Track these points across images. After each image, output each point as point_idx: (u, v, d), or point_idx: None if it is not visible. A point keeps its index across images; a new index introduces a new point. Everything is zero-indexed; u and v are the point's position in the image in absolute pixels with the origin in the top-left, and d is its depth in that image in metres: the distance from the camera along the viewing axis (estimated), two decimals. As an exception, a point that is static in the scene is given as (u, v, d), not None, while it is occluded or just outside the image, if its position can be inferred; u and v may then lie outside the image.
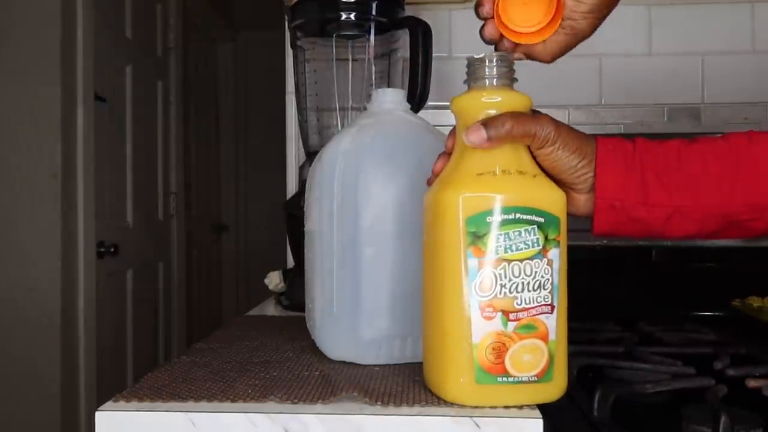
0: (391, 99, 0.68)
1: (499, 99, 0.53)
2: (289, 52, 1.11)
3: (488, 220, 0.50)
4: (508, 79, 0.54)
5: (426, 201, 0.55)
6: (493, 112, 0.53)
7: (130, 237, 2.40)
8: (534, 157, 0.54)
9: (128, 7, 2.39)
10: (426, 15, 0.98)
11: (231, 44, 3.83)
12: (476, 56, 0.55)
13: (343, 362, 0.65)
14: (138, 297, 2.48)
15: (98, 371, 2.13)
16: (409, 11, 0.98)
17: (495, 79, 0.54)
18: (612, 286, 1.11)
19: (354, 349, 0.64)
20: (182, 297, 2.94)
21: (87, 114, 2.05)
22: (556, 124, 0.54)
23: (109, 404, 0.52)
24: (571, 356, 0.69)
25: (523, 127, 0.52)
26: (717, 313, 1.05)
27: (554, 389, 0.52)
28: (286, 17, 1.00)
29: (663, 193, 0.55)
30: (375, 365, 0.64)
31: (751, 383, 0.65)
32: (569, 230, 0.54)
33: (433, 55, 0.93)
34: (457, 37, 1.22)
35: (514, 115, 0.53)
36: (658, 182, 0.55)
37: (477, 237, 0.50)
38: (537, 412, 0.51)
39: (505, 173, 0.52)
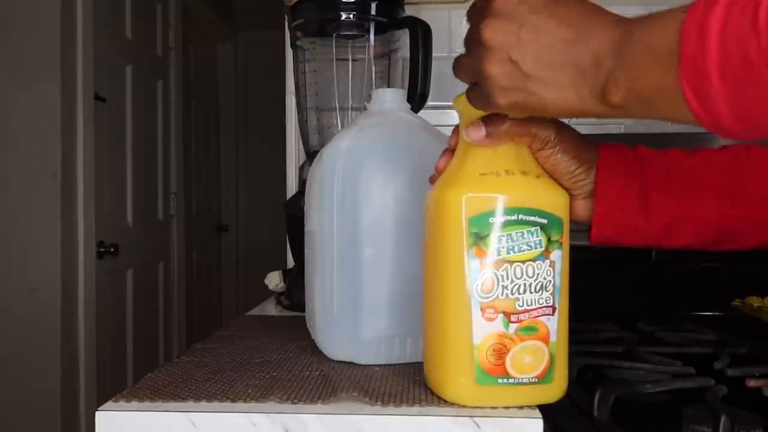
0: (391, 99, 0.68)
1: None
2: (289, 52, 1.11)
3: (491, 221, 0.50)
4: None
5: (428, 200, 0.55)
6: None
7: (130, 237, 2.40)
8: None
9: (128, 7, 2.39)
10: (426, 15, 0.98)
11: (231, 44, 3.83)
12: None
13: (343, 362, 0.65)
14: (138, 297, 2.48)
15: (98, 371, 2.13)
16: (409, 11, 0.98)
17: None
18: (612, 286, 1.11)
19: (354, 348, 0.64)
20: (182, 297, 2.93)
21: (87, 114, 2.05)
22: (559, 126, 0.54)
23: (109, 404, 0.52)
24: (571, 356, 0.69)
25: (523, 126, 0.52)
26: (717, 313, 1.05)
27: (554, 390, 0.52)
28: (286, 17, 1.00)
29: (662, 203, 0.55)
30: (375, 365, 0.64)
31: (751, 383, 0.65)
32: (571, 230, 0.54)
33: (433, 55, 0.93)
34: (457, 37, 1.22)
35: (524, 118, 0.52)
36: (658, 192, 0.55)
37: (479, 238, 0.50)
38: (537, 413, 0.51)
39: (508, 173, 0.52)
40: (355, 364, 0.64)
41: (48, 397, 1.93)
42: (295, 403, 0.52)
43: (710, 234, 0.56)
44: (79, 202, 2.02)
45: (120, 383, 2.26)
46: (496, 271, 0.50)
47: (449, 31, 1.22)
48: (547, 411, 0.52)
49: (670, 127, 1.21)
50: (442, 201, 0.52)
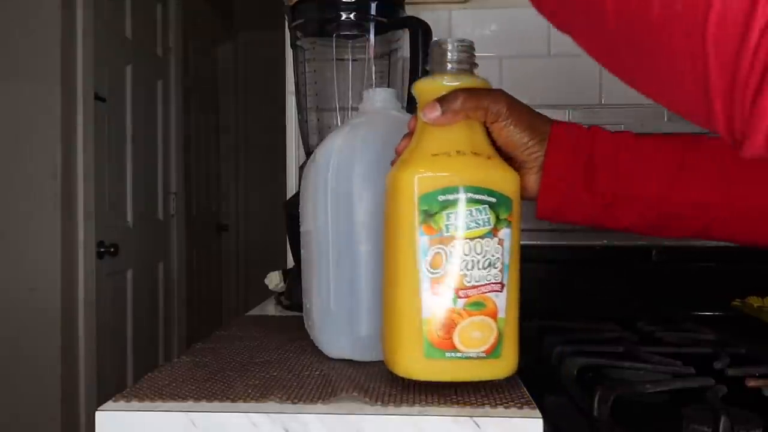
0: (381, 98, 0.69)
1: (458, 83, 0.55)
2: (289, 52, 1.11)
3: (440, 199, 0.52)
4: (468, 64, 0.56)
5: (386, 181, 0.56)
6: None
7: (130, 237, 2.40)
8: (490, 136, 0.56)
9: (128, 7, 2.39)
10: (426, 15, 0.98)
11: (231, 44, 3.83)
12: (438, 42, 0.57)
13: (343, 362, 0.65)
14: (138, 297, 2.48)
15: (98, 371, 2.13)
16: (409, 11, 0.98)
17: (455, 64, 0.56)
18: (612, 286, 1.11)
19: (351, 346, 0.65)
20: (182, 297, 2.94)
21: (87, 114, 2.05)
22: (510, 100, 0.56)
23: (109, 404, 0.52)
24: (571, 356, 0.70)
25: (475, 100, 0.54)
26: (717, 313, 1.05)
27: (503, 366, 0.54)
28: (286, 17, 1.00)
29: (607, 181, 0.57)
30: (373, 364, 0.64)
31: (751, 383, 0.65)
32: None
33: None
34: (457, 37, 1.22)
35: (467, 90, 0.55)
36: (604, 169, 0.57)
37: (429, 215, 0.52)
38: (537, 412, 0.51)
39: (459, 154, 0.54)
40: (355, 364, 0.64)
41: (48, 396, 1.93)
42: (295, 403, 0.52)
43: (651, 216, 0.58)
44: (79, 202, 2.02)
45: (120, 383, 2.27)
46: (444, 247, 0.52)
47: (449, 31, 1.22)
48: (547, 411, 0.52)
49: (669, 127, 1.21)
50: (397, 181, 0.54)
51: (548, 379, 0.69)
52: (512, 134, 0.56)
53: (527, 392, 0.55)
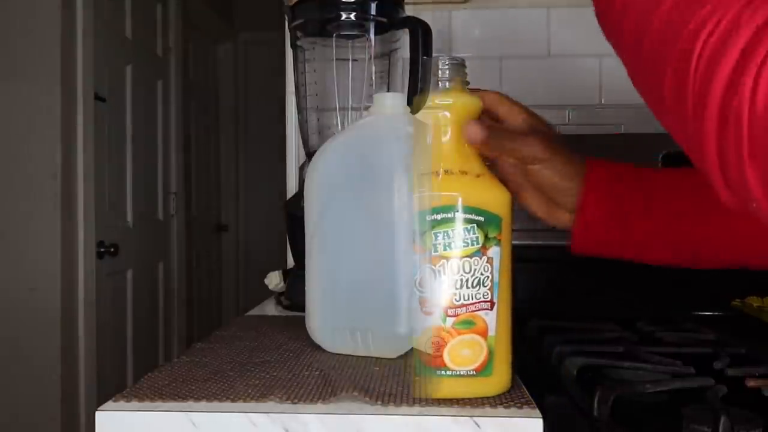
0: (390, 103, 0.69)
1: (450, 101, 0.56)
2: (289, 52, 1.11)
3: (428, 219, 0.52)
4: (461, 82, 0.56)
5: None
6: (445, 114, 0.56)
7: (130, 237, 2.40)
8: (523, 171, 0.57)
9: (128, 7, 2.39)
10: (426, 15, 0.98)
11: (231, 44, 3.83)
12: (429, 59, 0.57)
13: (343, 362, 0.65)
14: (138, 297, 2.48)
15: (98, 371, 2.13)
16: (409, 11, 0.98)
17: (447, 82, 0.56)
18: (612, 286, 1.11)
19: (351, 342, 0.65)
20: (182, 297, 2.93)
21: (87, 114, 2.05)
22: (545, 146, 0.56)
23: (109, 404, 0.52)
24: (571, 356, 0.70)
25: (512, 143, 0.56)
26: (717, 313, 1.05)
27: (495, 384, 0.54)
28: (286, 17, 1.00)
29: (640, 219, 0.58)
30: (373, 363, 0.64)
31: (751, 383, 0.65)
32: (511, 228, 0.55)
33: (433, 55, 0.93)
34: (457, 37, 1.22)
35: (511, 134, 0.56)
36: (637, 209, 0.58)
37: (417, 234, 0.53)
38: (537, 412, 0.51)
39: (447, 173, 0.54)
40: (355, 364, 0.64)
41: (48, 396, 1.93)
42: (295, 403, 0.52)
43: (685, 252, 0.59)
44: (79, 202, 2.02)
45: (120, 383, 2.27)
46: (433, 266, 0.52)
47: (449, 31, 1.22)
48: (547, 411, 0.52)
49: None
50: None
51: (548, 379, 0.69)
52: (545, 177, 0.57)
53: (527, 392, 0.55)
